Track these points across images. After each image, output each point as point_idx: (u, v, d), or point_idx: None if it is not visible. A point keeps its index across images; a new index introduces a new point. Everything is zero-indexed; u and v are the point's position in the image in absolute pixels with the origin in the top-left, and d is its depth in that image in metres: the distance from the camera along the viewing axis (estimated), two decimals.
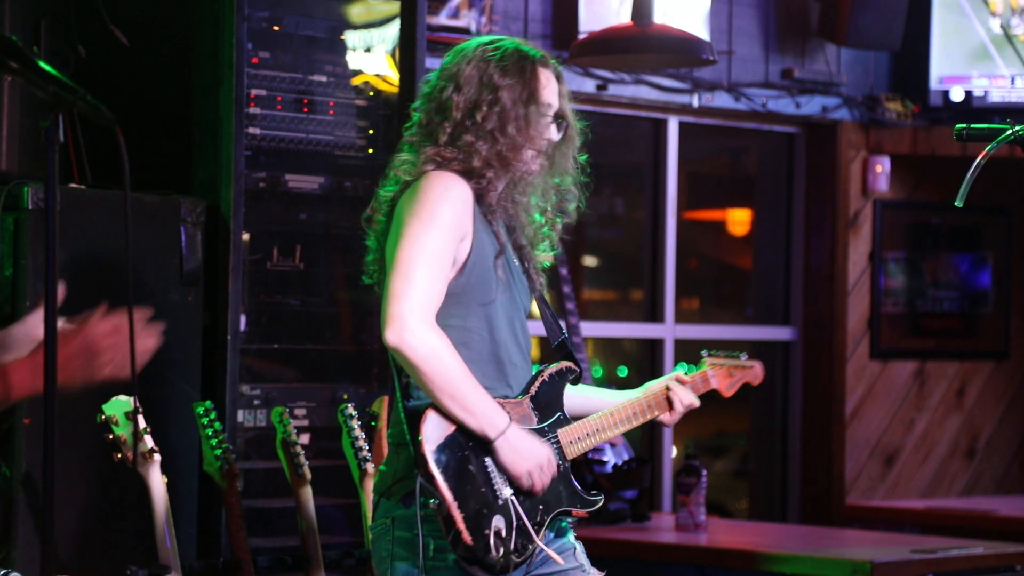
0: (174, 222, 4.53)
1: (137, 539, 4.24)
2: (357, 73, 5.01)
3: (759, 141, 7.59)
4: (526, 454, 3.57)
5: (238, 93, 4.66)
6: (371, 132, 5.02)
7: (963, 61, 7.29)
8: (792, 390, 7.47)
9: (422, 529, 3.51)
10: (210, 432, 4.24)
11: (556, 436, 3.70)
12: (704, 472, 5.87)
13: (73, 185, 4.49)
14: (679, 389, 3.88)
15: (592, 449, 5.83)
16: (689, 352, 7.15)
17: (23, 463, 4.21)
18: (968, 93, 7.26)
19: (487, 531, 3.51)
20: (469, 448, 3.53)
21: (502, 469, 3.56)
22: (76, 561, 4.27)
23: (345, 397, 4.88)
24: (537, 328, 3.82)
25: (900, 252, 7.69)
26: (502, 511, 3.54)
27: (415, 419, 3.52)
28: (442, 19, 6.16)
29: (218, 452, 4.24)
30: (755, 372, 4.08)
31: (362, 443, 4.57)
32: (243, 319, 4.72)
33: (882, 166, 7.49)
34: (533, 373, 3.71)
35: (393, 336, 3.46)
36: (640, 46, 6.08)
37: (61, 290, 2.97)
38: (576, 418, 3.75)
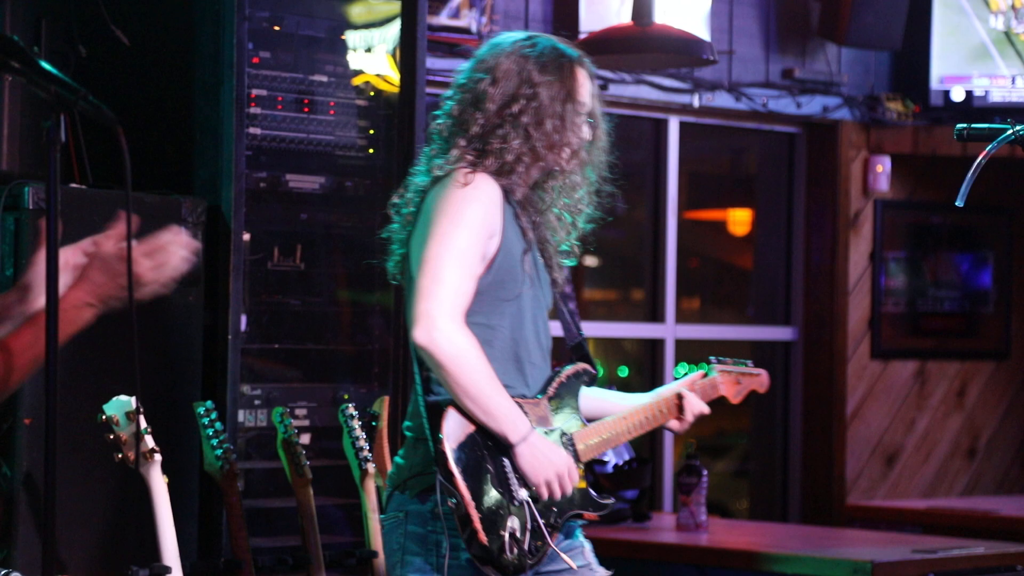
0: (175, 222, 4.53)
1: (138, 539, 4.24)
2: (358, 73, 5.01)
3: (760, 141, 7.59)
4: (546, 462, 3.57)
5: (239, 93, 4.66)
6: (372, 132, 5.02)
7: (964, 61, 7.29)
8: (793, 390, 7.47)
9: (436, 527, 3.52)
10: (211, 432, 4.24)
11: (571, 438, 3.70)
12: (705, 472, 5.87)
13: (73, 185, 4.49)
14: (690, 397, 3.88)
15: None
16: (690, 352, 7.14)
17: (24, 463, 4.21)
18: (969, 93, 7.25)
19: (502, 532, 3.51)
20: (488, 448, 3.53)
21: (520, 472, 3.56)
22: (77, 561, 4.27)
23: (346, 397, 4.88)
24: (554, 328, 3.82)
25: (901, 252, 7.69)
26: (517, 512, 3.55)
27: (436, 415, 3.52)
28: (443, 19, 6.16)
29: (219, 452, 4.24)
30: (761, 380, 4.09)
31: (363, 443, 4.57)
32: (244, 319, 4.72)
33: (883, 166, 7.49)
34: (551, 373, 3.72)
35: (422, 335, 3.46)
36: (641, 46, 6.08)
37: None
38: (590, 420, 3.76)
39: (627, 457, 5.94)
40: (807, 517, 7.41)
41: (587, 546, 3.76)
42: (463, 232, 3.52)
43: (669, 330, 7.10)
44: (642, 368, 7.22)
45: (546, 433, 3.64)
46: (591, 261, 7.44)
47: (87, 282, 2.99)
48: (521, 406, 3.59)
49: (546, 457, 3.57)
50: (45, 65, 2.83)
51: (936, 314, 7.77)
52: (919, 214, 7.72)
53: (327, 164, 4.94)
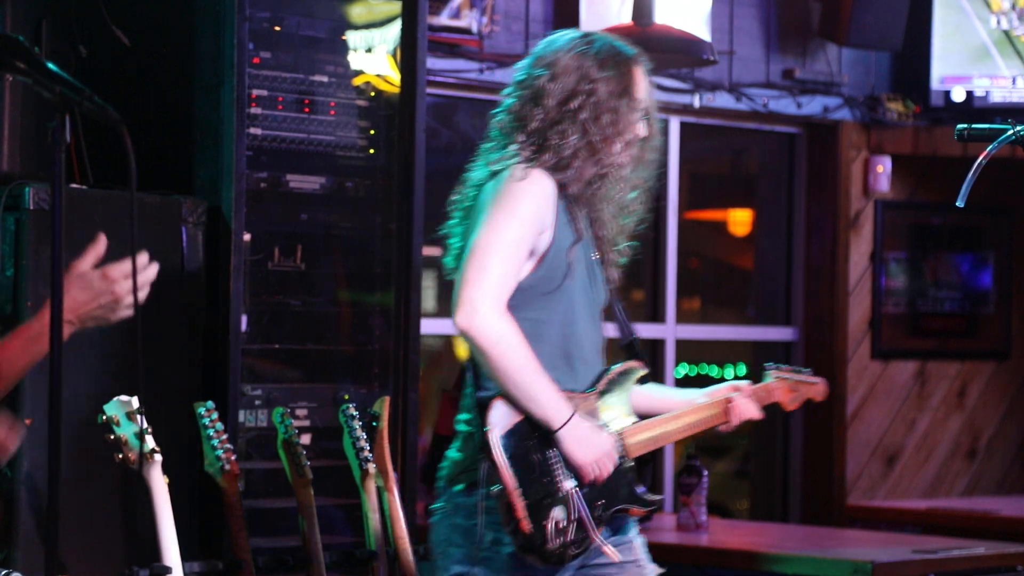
0: (175, 222, 4.53)
1: (138, 539, 4.24)
2: (358, 73, 5.01)
3: (760, 141, 7.58)
4: (588, 444, 3.61)
5: (239, 93, 4.66)
6: (372, 132, 5.02)
7: (964, 61, 7.28)
8: None
9: (482, 519, 3.56)
10: (211, 432, 4.24)
11: (620, 433, 3.72)
12: (705, 472, 5.87)
13: (74, 185, 4.49)
14: (740, 401, 3.90)
15: None
16: (690, 352, 7.14)
17: (24, 463, 4.21)
18: (969, 93, 7.25)
19: (546, 521, 3.55)
20: (534, 438, 3.58)
21: (565, 460, 3.59)
22: (77, 561, 4.26)
23: (346, 397, 4.88)
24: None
25: (901, 252, 7.69)
26: (563, 502, 3.58)
27: (484, 407, 3.57)
28: (443, 19, 6.16)
29: (219, 452, 4.23)
30: (818, 389, 4.11)
31: (363, 443, 4.57)
32: (244, 319, 4.72)
33: (883, 166, 7.49)
34: (602, 370, 3.72)
35: (463, 320, 3.53)
36: (641, 46, 6.06)
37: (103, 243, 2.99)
38: (642, 417, 3.78)
39: None
40: (807, 517, 7.41)
41: (638, 542, 3.78)
42: (513, 224, 3.57)
43: (670, 330, 7.10)
44: None
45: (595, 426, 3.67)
46: None
47: (66, 299, 2.99)
48: (571, 399, 3.64)
49: (588, 440, 3.61)
50: (50, 65, 2.84)
51: (936, 314, 7.77)
52: (919, 214, 7.72)
53: (328, 164, 4.94)
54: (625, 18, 6.30)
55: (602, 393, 3.72)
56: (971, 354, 7.85)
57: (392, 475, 4.64)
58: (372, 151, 5.03)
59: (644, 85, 3.76)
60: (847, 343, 7.38)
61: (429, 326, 6.26)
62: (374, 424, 4.63)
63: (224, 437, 4.25)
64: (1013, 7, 7.28)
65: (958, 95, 7.26)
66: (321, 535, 4.43)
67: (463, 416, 3.69)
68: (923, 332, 7.70)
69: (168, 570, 3.97)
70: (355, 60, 5.00)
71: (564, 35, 3.79)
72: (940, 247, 7.82)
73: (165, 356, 4.45)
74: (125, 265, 3.06)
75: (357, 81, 5.01)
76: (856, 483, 7.44)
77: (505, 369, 3.54)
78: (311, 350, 4.91)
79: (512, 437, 3.56)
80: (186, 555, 4.12)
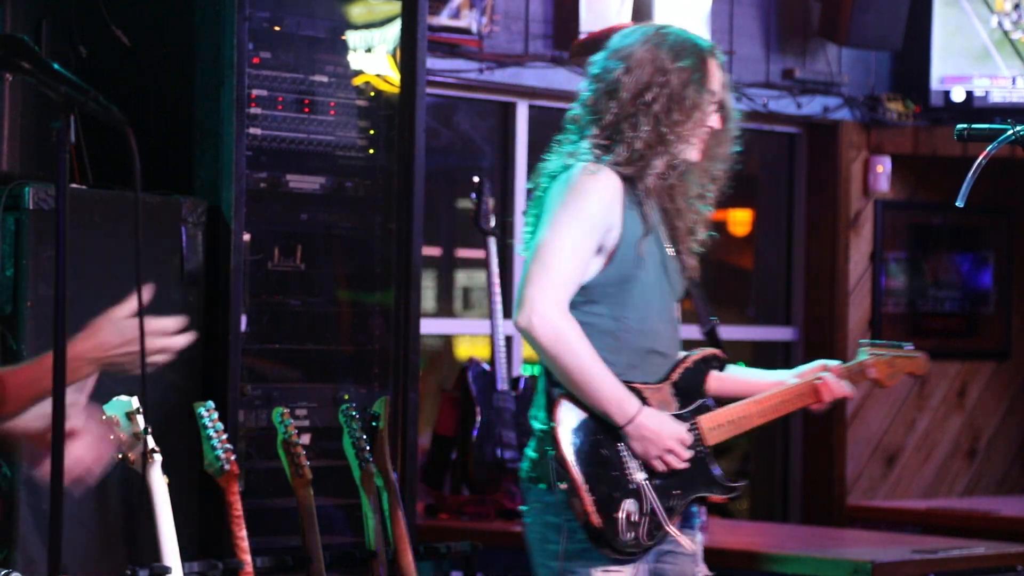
0: (175, 222, 4.53)
1: (138, 539, 4.23)
2: (358, 73, 5.01)
3: (760, 141, 7.58)
4: (655, 439, 3.63)
5: (239, 93, 4.66)
6: (372, 132, 5.02)
7: (964, 61, 7.28)
8: None
9: (570, 514, 3.60)
10: (211, 432, 4.24)
11: (696, 422, 3.74)
12: None
13: (74, 185, 4.49)
14: (829, 379, 3.89)
15: None
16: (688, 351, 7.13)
17: (24, 463, 4.21)
18: (969, 93, 7.25)
19: (617, 514, 3.59)
20: (602, 433, 3.61)
21: (634, 453, 3.61)
22: (77, 561, 4.26)
23: (346, 397, 4.88)
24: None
25: (901, 252, 7.68)
26: (634, 495, 3.61)
27: (551, 404, 3.62)
28: (443, 19, 6.16)
29: (219, 452, 4.23)
30: (919, 362, 4.09)
31: (363, 443, 4.57)
32: (244, 319, 4.72)
33: (883, 166, 7.49)
34: (676, 360, 3.75)
35: (523, 319, 3.59)
36: None
37: (147, 292, 2.99)
38: (724, 403, 3.79)
39: None
40: (807, 517, 7.41)
41: (700, 537, 3.80)
42: (577, 224, 3.61)
43: None
44: None
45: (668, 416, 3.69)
46: None
47: (95, 341, 2.99)
48: (640, 392, 3.66)
49: (654, 434, 3.63)
50: (55, 66, 2.84)
51: (936, 314, 7.77)
52: (919, 214, 7.72)
53: (327, 164, 4.94)
54: (625, 18, 6.30)
55: (675, 383, 3.73)
56: (971, 354, 7.85)
57: (392, 475, 4.64)
58: (372, 151, 5.03)
59: (718, 77, 3.76)
60: (847, 343, 7.38)
61: (429, 326, 6.26)
62: (374, 424, 4.63)
63: (224, 437, 4.25)
64: (1016, 7, 7.28)
65: (958, 95, 7.26)
66: (321, 535, 4.43)
67: (537, 415, 3.72)
68: (923, 332, 7.70)
69: (168, 570, 3.97)
70: (355, 60, 5.00)
71: (639, 28, 3.80)
72: (940, 247, 7.81)
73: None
74: (163, 322, 3.07)
75: (357, 81, 5.01)
76: (856, 483, 7.44)
77: (567, 367, 3.58)
78: (311, 350, 4.91)
79: (579, 433, 3.60)
80: (186, 555, 4.12)
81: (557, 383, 3.65)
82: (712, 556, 5.56)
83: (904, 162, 7.55)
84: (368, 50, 5.04)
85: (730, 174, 3.83)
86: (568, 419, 3.61)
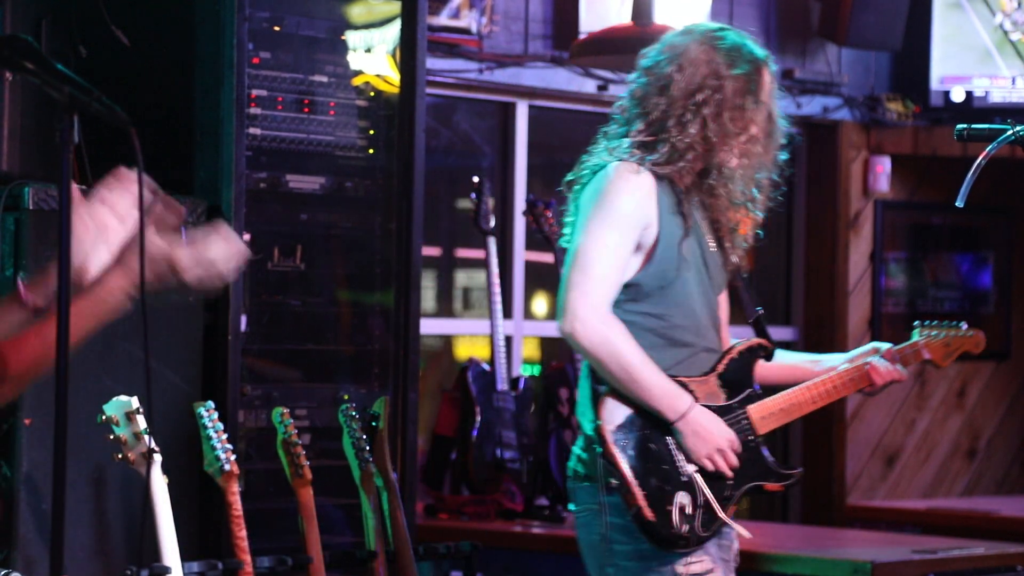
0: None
1: (138, 539, 4.23)
2: (358, 73, 5.01)
3: None
4: (706, 437, 3.64)
5: (239, 93, 4.66)
6: (372, 132, 5.02)
7: (964, 61, 7.28)
8: None
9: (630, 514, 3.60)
10: (211, 432, 4.24)
11: (745, 412, 3.75)
12: None
13: (76, 186, 4.48)
14: (879, 363, 3.89)
15: None
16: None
17: (24, 463, 4.21)
18: (969, 93, 7.25)
19: (669, 507, 3.60)
20: (650, 427, 3.62)
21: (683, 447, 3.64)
22: (76, 562, 4.26)
23: (346, 397, 4.88)
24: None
25: (901, 252, 7.69)
26: (686, 487, 3.62)
27: (596, 402, 3.63)
28: (443, 19, 6.16)
29: (219, 452, 4.23)
30: (976, 339, 4.09)
31: (363, 443, 4.57)
32: (244, 319, 4.72)
33: (883, 166, 7.49)
34: (723, 351, 3.77)
35: (567, 325, 3.60)
36: (641, 46, 6.05)
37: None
38: (773, 391, 3.79)
39: None
40: (807, 517, 7.41)
41: (737, 540, 3.80)
42: (612, 226, 3.62)
43: None
44: None
45: (717, 409, 3.70)
46: None
47: (127, 269, 2.96)
48: (686, 385, 3.67)
49: (706, 431, 3.64)
50: (59, 66, 2.84)
51: (936, 314, 7.76)
52: (919, 214, 7.72)
53: (327, 164, 4.94)
54: (625, 18, 6.30)
55: (722, 374, 3.75)
56: (971, 354, 7.84)
57: (392, 475, 4.64)
58: (372, 151, 5.03)
59: (768, 87, 3.77)
60: (847, 343, 7.38)
61: (429, 326, 6.26)
62: (374, 424, 4.63)
63: (224, 437, 4.25)
64: (1018, 7, 7.28)
65: (958, 95, 7.26)
66: (321, 535, 4.43)
67: (584, 414, 3.72)
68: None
69: (167, 570, 3.97)
70: (355, 60, 5.00)
71: (697, 26, 3.81)
72: (940, 247, 7.82)
73: (165, 356, 4.45)
74: (197, 251, 3.01)
75: (357, 81, 5.01)
76: (856, 483, 7.44)
77: (615, 369, 3.59)
78: (311, 350, 4.91)
79: (626, 428, 3.61)
80: (185, 555, 4.12)
81: (602, 381, 3.65)
82: None
83: (904, 162, 7.55)
84: (368, 50, 5.04)
85: (776, 182, 3.84)
86: (614, 416, 3.62)
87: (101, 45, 4.75)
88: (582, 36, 6.36)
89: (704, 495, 3.64)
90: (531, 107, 6.68)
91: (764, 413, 3.77)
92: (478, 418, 5.86)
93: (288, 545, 4.55)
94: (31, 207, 4.24)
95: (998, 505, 7.10)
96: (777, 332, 7.50)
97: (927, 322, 4.08)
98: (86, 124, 2.97)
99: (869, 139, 7.49)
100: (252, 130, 4.77)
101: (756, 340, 3.84)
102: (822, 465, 7.38)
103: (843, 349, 7.33)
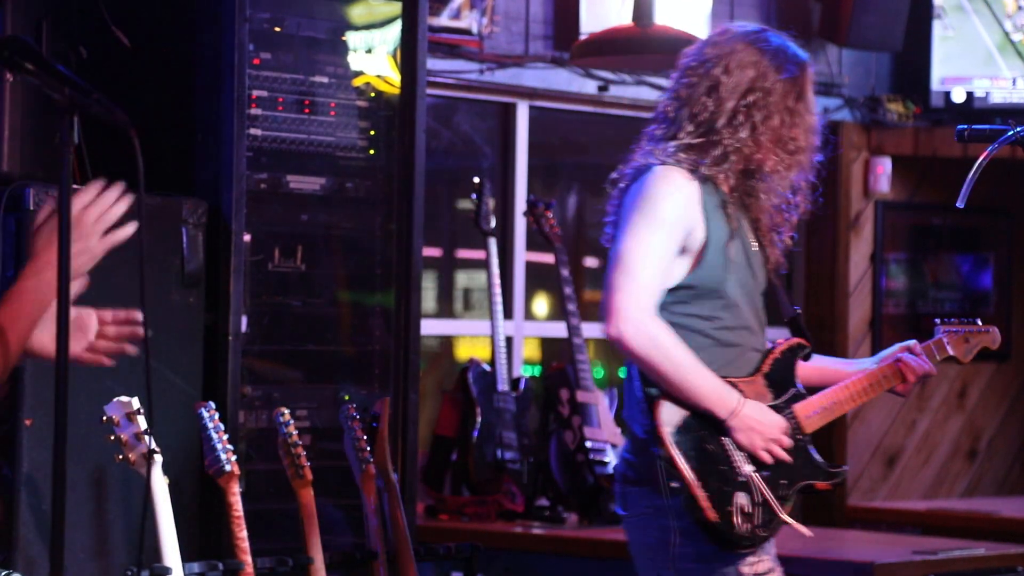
0: (175, 223, 4.53)
1: (138, 540, 4.23)
2: (358, 74, 5.01)
3: None
4: (759, 429, 3.65)
5: (239, 94, 4.66)
6: (372, 133, 5.02)
7: (965, 62, 7.28)
8: None
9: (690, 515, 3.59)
10: (212, 433, 4.24)
11: (792, 411, 3.75)
12: None
13: (76, 187, 4.48)
14: (910, 360, 3.92)
15: (593, 450, 5.84)
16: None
17: (25, 463, 4.21)
18: (970, 94, 7.25)
19: (730, 507, 3.59)
20: (705, 428, 3.62)
21: (740, 446, 3.63)
22: (77, 562, 4.26)
23: (346, 398, 4.88)
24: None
25: (901, 253, 7.69)
26: (744, 487, 3.62)
27: (651, 404, 3.61)
28: (443, 20, 6.16)
29: (219, 453, 4.23)
30: (993, 336, 4.13)
31: (363, 444, 4.57)
32: (244, 320, 4.72)
33: (883, 167, 7.49)
34: (765, 350, 3.78)
35: (612, 329, 3.57)
36: (641, 47, 6.08)
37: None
38: (812, 391, 3.79)
39: None
40: (807, 518, 7.39)
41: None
42: (656, 228, 3.61)
43: None
44: None
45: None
46: (592, 262, 7.44)
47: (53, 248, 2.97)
48: (735, 385, 3.67)
49: (759, 423, 3.64)
50: (59, 67, 2.84)
51: (937, 315, 7.77)
52: (920, 215, 7.72)
53: (328, 165, 4.94)
54: (625, 19, 6.30)
55: (767, 374, 3.75)
56: (988, 350, 7.84)
57: (392, 476, 4.64)
58: (372, 152, 5.03)
59: (811, 89, 3.78)
60: (847, 344, 7.38)
61: (429, 327, 6.27)
62: (374, 425, 4.63)
63: (225, 438, 4.25)
64: (1020, 8, 7.28)
65: (958, 96, 7.26)
66: (321, 536, 4.43)
67: (633, 418, 3.71)
68: (923, 333, 7.69)
69: (168, 571, 3.97)
70: (355, 61, 5.00)
71: (739, 27, 3.79)
72: (940, 248, 7.82)
73: (165, 357, 4.45)
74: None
75: (357, 82, 5.01)
76: (856, 484, 7.44)
77: (664, 370, 3.58)
78: (311, 351, 4.91)
79: (683, 431, 3.60)
80: (186, 556, 4.12)
81: (652, 383, 3.64)
82: None
83: (904, 163, 7.55)
84: (368, 51, 5.04)
85: (814, 184, 3.84)
86: (670, 418, 3.61)
87: (101, 46, 4.75)
88: (583, 37, 6.36)
89: (763, 494, 3.64)
90: (532, 108, 6.69)
91: (809, 412, 3.78)
92: (479, 419, 5.86)
93: (289, 546, 4.55)
94: (32, 208, 4.24)
95: (999, 506, 7.10)
96: (777, 332, 7.48)
97: (946, 319, 4.11)
98: (87, 125, 2.97)
99: (870, 140, 7.49)
100: (253, 131, 4.77)
101: (796, 340, 3.84)
102: None
103: (844, 350, 7.35)
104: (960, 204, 3.51)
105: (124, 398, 3.96)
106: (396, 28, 5.04)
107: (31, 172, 4.48)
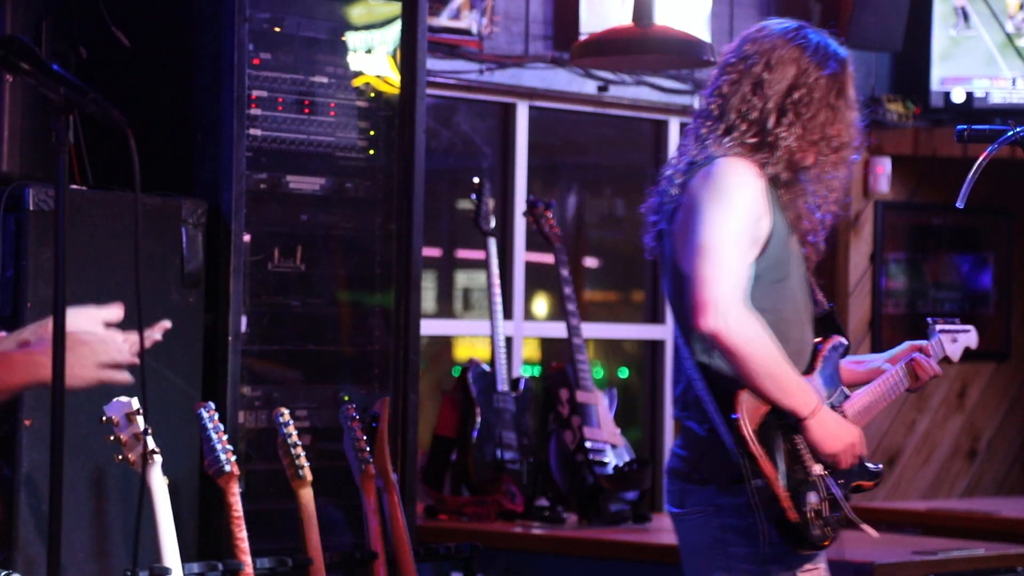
0: (175, 223, 4.53)
1: (137, 540, 4.23)
2: (358, 74, 5.01)
3: None
4: (838, 433, 3.62)
5: (239, 94, 4.66)
6: (372, 133, 5.02)
7: (965, 62, 7.28)
8: None
9: (758, 516, 3.55)
10: (211, 433, 4.24)
11: (843, 411, 3.75)
12: None
13: (74, 187, 4.49)
14: (921, 361, 3.93)
15: (593, 450, 5.84)
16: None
17: (24, 463, 4.21)
18: (969, 94, 7.25)
19: (805, 507, 3.57)
20: (780, 427, 3.56)
21: (811, 446, 3.59)
22: (76, 562, 4.26)
23: (346, 398, 4.88)
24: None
25: (901, 253, 7.68)
26: (814, 487, 3.60)
27: (728, 401, 3.53)
28: (443, 20, 6.16)
29: (219, 453, 4.23)
30: (973, 335, 4.12)
31: (363, 444, 4.57)
32: (244, 320, 4.72)
33: (883, 167, 7.49)
34: (813, 349, 3.75)
35: (711, 322, 3.46)
36: (641, 47, 6.08)
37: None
38: (850, 389, 3.81)
39: (627, 459, 5.95)
40: None
41: None
42: (735, 216, 3.55)
43: (669, 331, 7.09)
44: (642, 370, 7.22)
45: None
46: (591, 262, 7.44)
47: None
48: None
49: (837, 427, 3.62)
50: (54, 67, 2.84)
51: (936, 315, 7.77)
52: (919, 215, 7.72)
53: (327, 165, 4.94)
54: (625, 19, 6.30)
55: (820, 372, 3.74)
56: (971, 355, 7.81)
57: (392, 476, 4.64)
58: (372, 152, 5.03)
59: (853, 87, 3.76)
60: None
61: (429, 327, 6.27)
62: (374, 425, 4.63)
63: (224, 438, 4.25)
64: (1021, 7, 7.27)
65: (958, 96, 7.26)
66: (321, 536, 4.43)
67: (691, 415, 3.64)
68: (923, 333, 7.69)
69: (167, 571, 3.97)
70: (355, 61, 5.01)
71: (778, 24, 3.77)
72: (940, 248, 7.82)
73: (165, 357, 4.45)
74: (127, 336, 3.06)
75: (357, 82, 5.01)
76: None
77: (760, 365, 3.50)
78: (311, 351, 4.91)
79: (763, 428, 3.54)
80: (185, 556, 4.12)
81: (717, 379, 3.57)
82: None
83: (904, 163, 7.55)
84: (368, 51, 5.04)
85: (846, 184, 3.84)
86: (752, 414, 3.53)
87: (101, 46, 4.75)
88: (583, 37, 6.36)
89: (831, 493, 3.63)
90: (531, 108, 6.69)
91: (853, 412, 3.78)
92: (478, 419, 5.86)
93: (288, 546, 4.55)
94: (31, 208, 4.24)
95: (998, 506, 7.10)
96: None
97: (935, 318, 4.11)
98: (87, 125, 2.97)
99: (869, 140, 7.48)
100: (252, 131, 4.77)
101: (838, 338, 3.81)
102: None
103: None
104: (960, 204, 3.51)
105: (124, 398, 3.96)
106: (396, 28, 5.04)
107: (31, 172, 4.48)
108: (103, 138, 3.64)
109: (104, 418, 3.96)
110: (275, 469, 4.55)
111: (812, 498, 3.59)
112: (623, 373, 7.38)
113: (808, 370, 3.72)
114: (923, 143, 7.46)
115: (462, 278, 7.06)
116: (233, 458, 4.25)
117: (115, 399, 3.96)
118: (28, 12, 4.62)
